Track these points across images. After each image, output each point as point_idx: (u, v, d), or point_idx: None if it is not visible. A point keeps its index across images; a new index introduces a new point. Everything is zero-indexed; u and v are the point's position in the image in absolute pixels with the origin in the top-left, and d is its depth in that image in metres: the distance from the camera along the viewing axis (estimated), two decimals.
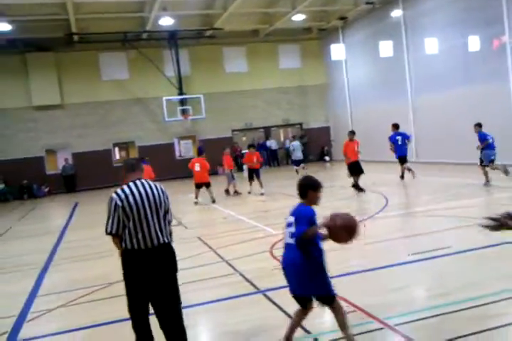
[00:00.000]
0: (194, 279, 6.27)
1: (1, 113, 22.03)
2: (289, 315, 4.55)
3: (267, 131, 26.17)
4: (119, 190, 3.94)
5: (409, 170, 13.78)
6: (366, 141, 22.65)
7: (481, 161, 11.47)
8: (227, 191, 15.07)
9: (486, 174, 11.42)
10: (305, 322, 4.27)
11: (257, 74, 25.29)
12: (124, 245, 3.91)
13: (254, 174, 14.52)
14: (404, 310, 4.47)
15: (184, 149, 24.93)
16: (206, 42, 23.91)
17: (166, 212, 4.09)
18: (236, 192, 14.97)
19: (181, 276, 6.34)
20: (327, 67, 26.17)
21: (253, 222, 9.76)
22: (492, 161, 11.29)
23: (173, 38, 22.72)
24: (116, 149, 24.30)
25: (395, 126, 14.38)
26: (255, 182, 14.48)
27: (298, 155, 18.22)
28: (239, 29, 23.24)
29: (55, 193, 22.15)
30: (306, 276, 3.74)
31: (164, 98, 22.18)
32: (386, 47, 20.89)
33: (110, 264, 7.65)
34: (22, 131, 22.37)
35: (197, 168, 13.53)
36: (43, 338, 4.73)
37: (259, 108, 25.57)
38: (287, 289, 5.30)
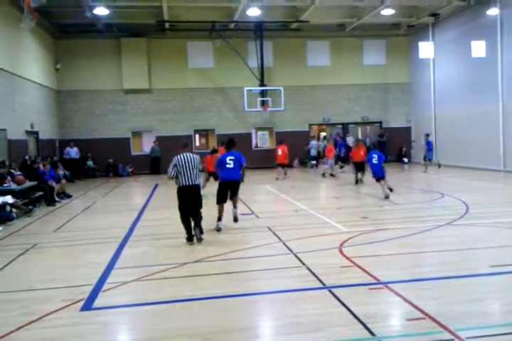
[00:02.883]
0: (260, 268, 6.37)
1: (94, 94, 23.37)
2: (353, 314, 4.51)
3: (345, 128, 25.78)
4: (176, 156, 7.97)
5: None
6: (450, 145, 21.89)
7: None
8: (330, 174, 18.61)
9: None
10: (370, 325, 4.24)
11: (339, 70, 24.94)
12: (178, 183, 7.96)
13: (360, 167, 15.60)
14: (478, 323, 4.26)
15: (261, 140, 25.18)
16: (291, 35, 23.88)
17: (197, 168, 8.00)
18: (332, 175, 18.52)
19: (249, 264, 6.55)
20: (412, 65, 25.28)
21: (324, 218, 9.70)
22: None
23: (258, 29, 22.88)
24: (197, 136, 24.97)
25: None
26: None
27: (312, 153, 23.24)
28: (324, 22, 22.97)
29: (138, 174, 23.19)
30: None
31: (245, 88, 22.45)
32: (478, 48, 19.75)
33: (184, 245, 7.97)
34: (112, 112, 23.63)
35: (280, 152, 18.76)
36: (116, 308, 4.97)
37: (338, 104, 25.24)
38: (355, 288, 5.33)
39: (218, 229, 8.74)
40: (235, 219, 9.09)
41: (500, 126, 18.44)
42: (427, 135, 20.44)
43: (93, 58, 23.04)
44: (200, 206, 8.12)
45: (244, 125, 24.64)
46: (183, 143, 8.32)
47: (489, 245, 7.13)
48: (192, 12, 21.10)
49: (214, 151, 13.60)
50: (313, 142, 23.78)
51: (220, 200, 8.93)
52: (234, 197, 9.08)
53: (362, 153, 15.36)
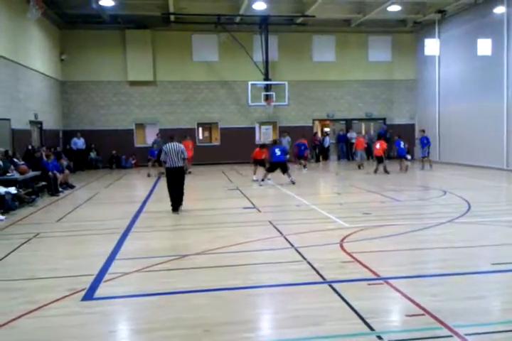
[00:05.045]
0: (261, 261, 6.39)
1: (98, 85, 23.38)
2: (353, 309, 4.53)
3: (349, 124, 25.75)
4: (166, 145, 10.44)
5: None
6: (453, 142, 21.85)
7: None
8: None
9: None
10: (369, 320, 4.26)
11: (344, 65, 24.89)
12: (166, 165, 10.27)
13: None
14: (477, 320, 4.28)
15: (264, 134, 25.17)
16: (296, 30, 23.80)
17: (182, 154, 10.19)
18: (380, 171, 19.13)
19: (250, 257, 6.58)
20: (418, 62, 25.19)
21: (326, 213, 9.72)
22: None
23: (264, 23, 22.80)
24: (200, 129, 24.97)
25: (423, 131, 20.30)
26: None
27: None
28: (330, 17, 22.90)
29: (141, 166, 23.23)
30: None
31: (250, 82, 22.41)
32: (485, 46, 19.68)
33: (186, 237, 8.03)
34: (116, 103, 23.63)
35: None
36: (117, 299, 5.01)
37: (342, 99, 25.20)
38: (355, 283, 5.35)
39: (262, 180, 15.16)
40: (293, 183, 14.71)
41: (504, 125, 18.38)
42: (423, 131, 20.30)
43: (98, 49, 23.02)
44: (183, 184, 10.48)
45: (248, 119, 24.63)
46: (170, 136, 11.52)
47: (490, 243, 7.13)
48: (197, 5, 21.06)
49: (263, 146, 16.81)
50: (283, 139, 21.83)
51: (270, 170, 15.16)
52: (286, 172, 14.83)
53: (380, 146, 18.05)
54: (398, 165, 18.78)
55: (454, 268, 5.85)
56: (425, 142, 19.37)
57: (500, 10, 18.42)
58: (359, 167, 20.20)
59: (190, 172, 17.72)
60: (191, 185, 14.94)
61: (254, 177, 16.07)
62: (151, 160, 18.85)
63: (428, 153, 19.37)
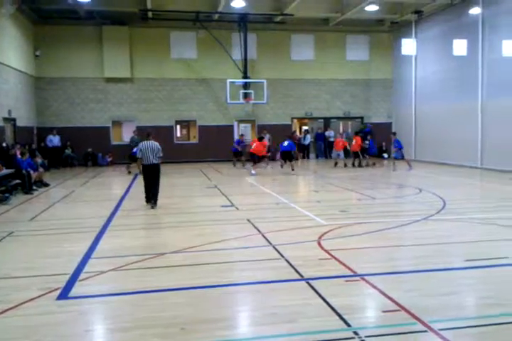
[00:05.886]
0: (239, 259, 6.38)
1: (74, 81, 23.01)
2: (330, 306, 4.56)
3: (327, 122, 25.92)
4: (142, 142, 10.79)
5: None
6: (429, 141, 22.19)
7: None
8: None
9: None
10: (346, 316, 4.30)
11: (322, 64, 25.02)
12: (142, 162, 10.54)
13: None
14: (451, 316, 4.36)
15: (242, 132, 25.09)
16: (275, 28, 23.83)
17: (157, 152, 10.55)
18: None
19: (227, 255, 6.57)
20: (395, 61, 25.49)
21: (304, 211, 9.76)
22: None
23: (243, 21, 22.78)
24: (178, 127, 24.79)
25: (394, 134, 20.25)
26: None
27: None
28: (309, 16, 23.00)
29: (118, 163, 22.95)
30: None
31: (228, 80, 22.36)
32: (460, 46, 20.06)
33: (163, 235, 7.97)
34: (92, 100, 23.30)
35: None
36: (92, 298, 4.95)
37: (321, 98, 25.34)
38: (332, 280, 5.39)
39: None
40: (293, 169, 17.83)
41: (478, 124, 18.73)
42: (393, 133, 20.09)
43: (74, 45, 22.62)
44: (158, 181, 10.77)
45: (227, 117, 24.57)
46: (146, 133, 11.20)
47: (464, 240, 7.27)
48: (176, 1, 20.92)
49: (261, 138, 18.50)
50: (264, 136, 21.06)
51: (285, 160, 18.26)
52: (290, 161, 17.96)
53: (356, 143, 19.97)
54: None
55: (429, 265, 5.94)
56: (396, 145, 18.93)
57: (475, 11, 18.75)
58: (335, 164, 20.65)
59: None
60: (169, 182, 14.86)
61: (253, 172, 17.46)
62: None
63: (402, 155, 18.82)
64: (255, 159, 17.90)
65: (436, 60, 21.83)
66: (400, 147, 18.78)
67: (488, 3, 18.14)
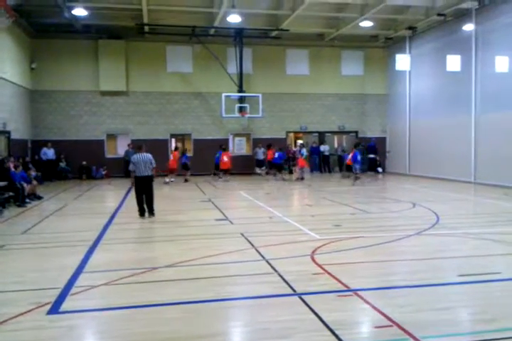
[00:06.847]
0: (231, 274, 6.35)
1: (70, 94, 23.05)
2: (322, 321, 4.54)
3: (322, 136, 26.04)
4: (134, 155, 10.94)
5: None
6: (423, 156, 22.30)
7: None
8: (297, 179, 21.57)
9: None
10: (339, 331, 4.27)
11: (317, 79, 25.22)
12: (135, 174, 10.70)
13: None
14: (444, 331, 4.33)
15: (237, 146, 25.21)
16: (270, 43, 24.07)
17: (150, 163, 10.74)
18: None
19: (220, 269, 6.53)
20: (389, 76, 25.74)
21: (298, 225, 9.75)
22: None
23: (238, 36, 22.99)
24: (173, 140, 24.82)
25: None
26: None
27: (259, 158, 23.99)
28: (304, 32, 23.24)
29: (112, 177, 22.90)
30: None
31: (224, 94, 22.48)
32: (454, 62, 20.30)
33: (156, 249, 7.93)
34: (87, 113, 23.32)
35: (225, 158, 20.93)
36: (83, 313, 4.89)
37: (316, 112, 25.49)
38: (325, 295, 5.37)
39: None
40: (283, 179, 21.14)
41: (472, 139, 18.86)
42: (356, 145, 20.95)
43: (70, 59, 22.74)
44: (152, 192, 10.97)
45: (222, 131, 24.64)
46: (138, 146, 11.50)
47: (458, 255, 7.27)
48: (172, 16, 21.11)
49: (224, 149, 21.06)
50: (259, 150, 23.89)
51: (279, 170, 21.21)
52: (280, 172, 21.37)
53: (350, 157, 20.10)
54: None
55: (422, 280, 5.93)
56: (353, 158, 19.23)
57: (468, 27, 19.02)
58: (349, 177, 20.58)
59: (186, 181, 20.59)
60: (163, 195, 14.82)
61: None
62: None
63: (356, 168, 19.17)
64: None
65: (430, 75, 22.06)
66: (354, 160, 19.17)
67: (481, 20, 18.42)
